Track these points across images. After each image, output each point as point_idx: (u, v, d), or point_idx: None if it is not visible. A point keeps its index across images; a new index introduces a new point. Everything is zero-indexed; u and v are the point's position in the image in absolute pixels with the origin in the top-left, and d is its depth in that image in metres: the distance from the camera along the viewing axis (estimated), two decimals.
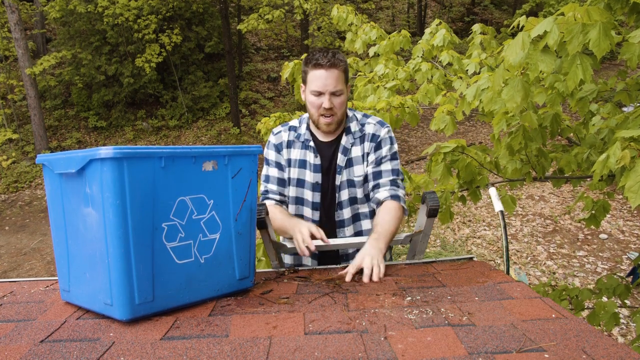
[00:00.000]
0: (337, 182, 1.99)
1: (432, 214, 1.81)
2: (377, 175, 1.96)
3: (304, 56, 3.15)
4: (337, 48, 16.68)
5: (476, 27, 3.23)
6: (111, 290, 1.20)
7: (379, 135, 1.98)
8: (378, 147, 1.97)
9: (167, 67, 15.34)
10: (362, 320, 1.21)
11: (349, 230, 2.03)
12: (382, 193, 1.93)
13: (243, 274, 1.46)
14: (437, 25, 3.33)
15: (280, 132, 2.08)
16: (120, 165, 1.16)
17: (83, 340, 1.14)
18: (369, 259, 1.62)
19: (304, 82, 1.98)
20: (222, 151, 1.38)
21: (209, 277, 1.38)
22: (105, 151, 1.15)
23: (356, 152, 2.00)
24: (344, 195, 2.00)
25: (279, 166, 2.05)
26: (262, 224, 1.73)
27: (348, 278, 1.58)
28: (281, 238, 2.09)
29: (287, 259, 2.14)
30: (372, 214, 2.07)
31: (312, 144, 2.00)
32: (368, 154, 1.98)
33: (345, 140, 1.99)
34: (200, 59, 15.72)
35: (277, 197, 2.03)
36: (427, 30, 3.39)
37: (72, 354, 1.06)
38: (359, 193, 2.01)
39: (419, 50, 3.26)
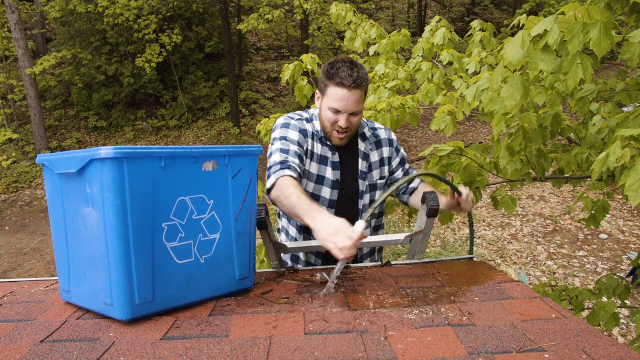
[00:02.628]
0: (362, 188, 2.02)
1: (432, 214, 1.81)
2: (407, 173, 2.13)
3: (304, 57, 3.16)
4: (337, 48, 16.69)
5: (475, 24, 3.21)
6: (111, 290, 1.20)
7: (393, 139, 2.13)
8: (397, 149, 2.13)
9: (167, 67, 15.35)
10: (362, 320, 1.21)
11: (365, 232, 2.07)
12: (415, 183, 2.13)
13: (243, 274, 1.46)
14: (437, 22, 3.32)
15: (301, 119, 2.00)
16: (120, 165, 1.16)
17: (83, 340, 1.14)
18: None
19: (322, 91, 1.91)
20: (222, 151, 1.38)
21: (209, 277, 1.38)
22: (105, 151, 1.15)
23: (374, 157, 2.06)
24: (366, 199, 2.04)
25: (299, 146, 1.90)
26: (262, 224, 1.73)
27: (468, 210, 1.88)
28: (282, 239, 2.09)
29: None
30: (379, 215, 2.16)
31: (328, 142, 1.99)
32: (390, 157, 2.10)
33: (364, 147, 2.03)
34: (200, 59, 15.72)
35: (299, 170, 1.84)
36: (426, 28, 3.37)
37: (72, 353, 1.06)
38: (377, 195, 2.08)
39: (419, 49, 3.25)
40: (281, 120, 1.99)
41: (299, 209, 1.59)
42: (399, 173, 2.11)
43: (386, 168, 2.10)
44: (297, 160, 1.85)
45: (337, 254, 1.41)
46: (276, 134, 1.94)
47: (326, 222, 1.47)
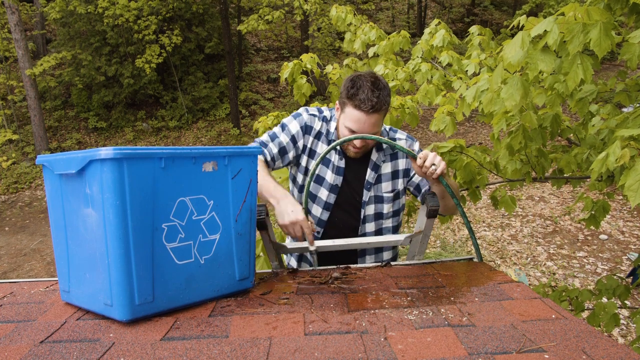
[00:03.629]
0: (365, 198, 1.99)
1: (432, 214, 1.81)
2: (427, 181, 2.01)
3: (304, 57, 3.16)
4: (337, 49, 16.70)
5: (473, 29, 3.22)
6: (111, 291, 1.20)
7: (413, 150, 2.02)
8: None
9: (167, 68, 15.35)
10: (362, 320, 1.21)
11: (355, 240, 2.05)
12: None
13: (243, 275, 1.46)
14: (436, 25, 3.33)
15: (314, 116, 2.00)
16: (120, 165, 1.16)
17: (83, 340, 1.14)
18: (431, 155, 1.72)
19: (341, 106, 1.89)
20: (222, 152, 1.38)
21: (209, 277, 1.38)
22: (105, 152, 1.15)
23: (386, 168, 2.01)
24: (370, 210, 2.01)
25: (292, 140, 1.97)
26: (262, 224, 1.73)
27: (418, 173, 1.76)
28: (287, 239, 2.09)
29: (293, 262, 2.13)
30: (395, 229, 2.09)
31: (338, 147, 1.96)
32: (408, 170, 2.03)
33: (376, 157, 1.99)
34: (200, 60, 15.73)
35: (268, 157, 1.95)
36: (426, 31, 3.38)
37: (72, 354, 1.06)
38: (386, 209, 2.02)
39: (419, 50, 3.26)
40: (300, 109, 2.05)
41: (265, 188, 1.80)
42: (417, 178, 2.02)
43: (400, 181, 2.03)
44: (275, 150, 1.95)
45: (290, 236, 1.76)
46: (284, 119, 2.02)
47: (289, 210, 1.73)
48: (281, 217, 1.75)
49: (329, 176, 1.97)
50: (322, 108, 2.07)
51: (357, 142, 1.87)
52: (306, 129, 1.98)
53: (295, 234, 1.75)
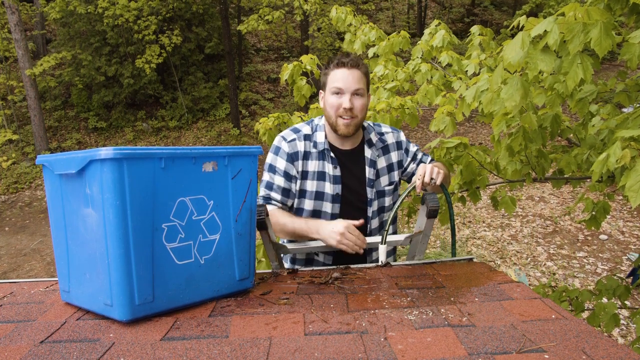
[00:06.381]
0: (370, 195, 2.01)
1: (432, 214, 1.81)
2: (421, 162, 2.12)
3: (304, 58, 3.16)
4: (337, 49, 16.70)
5: (474, 29, 3.23)
6: (111, 291, 1.20)
7: (401, 141, 2.12)
8: (407, 150, 2.12)
9: (167, 68, 15.35)
10: (362, 320, 1.21)
11: (375, 238, 2.07)
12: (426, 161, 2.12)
13: (243, 275, 1.46)
14: (436, 25, 3.33)
15: (294, 140, 1.97)
16: (120, 165, 1.16)
17: (83, 340, 1.14)
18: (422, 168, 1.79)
19: (324, 85, 1.95)
20: (222, 152, 1.38)
21: (209, 277, 1.38)
22: (105, 152, 1.15)
23: (381, 163, 2.05)
24: (374, 206, 2.03)
25: (287, 176, 1.95)
26: (262, 224, 1.73)
27: (418, 190, 1.79)
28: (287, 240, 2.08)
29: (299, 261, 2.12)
30: (393, 220, 2.11)
31: (332, 154, 1.96)
32: (401, 161, 2.10)
33: (370, 153, 2.02)
34: (200, 60, 15.73)
35: (279, 205, 1.97)
36: (426, 31, 3.38)
37: (72, 354, 1.06)
38: (387, 202, 2.08)
39: (419, 51, 3.26)
40: (276, 141, 2.02)
41: (300, 231, 1.88)
42: (411, 167, 2.10)
43: (396, 173, 2.08)
44: (279, 197, 1.97)
45: (349, 251, 1.80)
46: (268, 158, 2.02)
47: (329, 229, 1.81)
48: (331, 239, 1.80)
49: (328, 188, 1.96)
50: (298, 126, 2.04)
51: (345, 102, 1.86)
52: (293, 157, 1.96)
53: (352, 242, 1.78)
